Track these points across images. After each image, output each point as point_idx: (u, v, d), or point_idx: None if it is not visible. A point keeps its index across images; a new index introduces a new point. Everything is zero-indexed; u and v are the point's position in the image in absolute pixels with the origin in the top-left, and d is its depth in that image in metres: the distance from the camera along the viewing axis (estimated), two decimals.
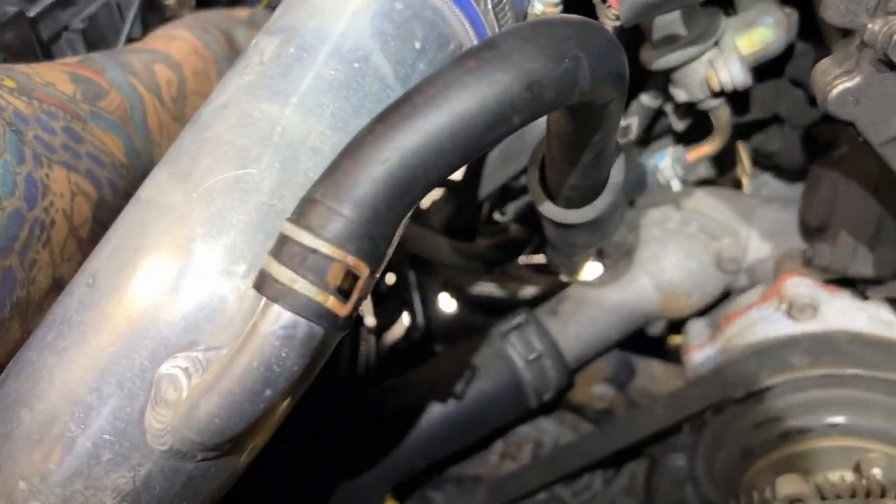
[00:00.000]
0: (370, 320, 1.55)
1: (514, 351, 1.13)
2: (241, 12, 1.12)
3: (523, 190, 1.20)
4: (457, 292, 1.54)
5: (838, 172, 1.01)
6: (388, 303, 1.64)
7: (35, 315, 0.67)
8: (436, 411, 1.11)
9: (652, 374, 1.32)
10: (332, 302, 0.50)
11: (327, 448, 1.18)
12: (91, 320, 0.58)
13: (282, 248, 0.51)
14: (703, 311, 1.28)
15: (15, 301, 0.65)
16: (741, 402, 1.04)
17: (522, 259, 1.51)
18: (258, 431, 0.62)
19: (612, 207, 0.77)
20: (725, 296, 1.27)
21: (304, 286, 0.49)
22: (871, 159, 0.75)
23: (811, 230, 1.07)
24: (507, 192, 1.20)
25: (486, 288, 1.54)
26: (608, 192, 0.75)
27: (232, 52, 1.01)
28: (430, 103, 0.51)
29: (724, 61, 0.91)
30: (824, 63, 0.72)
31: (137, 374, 0.57)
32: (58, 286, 0.67)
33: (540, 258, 1.51)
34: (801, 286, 1.10)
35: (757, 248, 1.21)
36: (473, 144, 0.52)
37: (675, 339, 1.41)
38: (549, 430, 1.36)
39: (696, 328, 1.24)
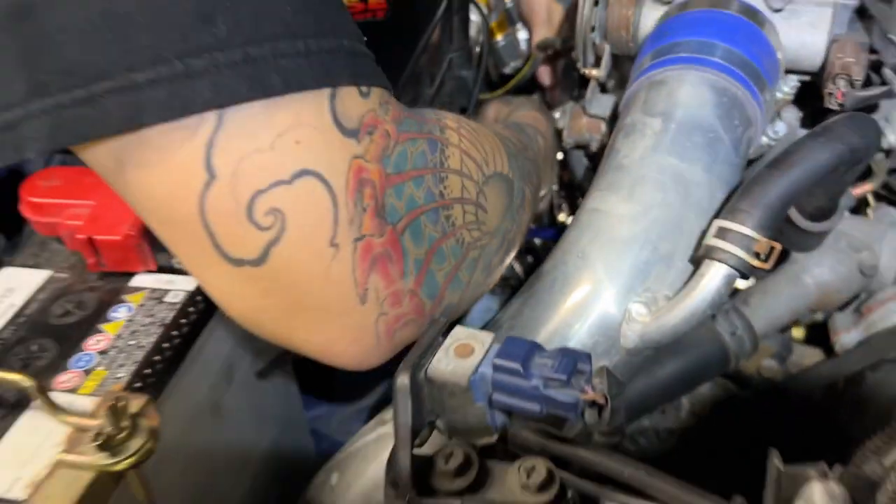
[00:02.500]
0: None
1: (722, 327, 1.57)
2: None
3: None
4: None
5: None
6: None
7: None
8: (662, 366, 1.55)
9: (804, 353, 1.76)
10: (752, 260, 0.95)
11: None
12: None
13: (722, 232, 0.96)
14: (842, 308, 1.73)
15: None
16: (893, 362, 1.48)
17: None
18: None
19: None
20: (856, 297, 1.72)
21: (737, 251, 0.95)
22: None
23: None
24: None
25: None
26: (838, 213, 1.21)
27: None
28: (799, 156, 0.97)
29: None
30: None
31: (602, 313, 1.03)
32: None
33: None
34: None
35: (888, 258, 1.66)
36: (819, 181, 0.98)
37: (796, 332, 1.85)
38: None
39: (843, 317, 1.68)
